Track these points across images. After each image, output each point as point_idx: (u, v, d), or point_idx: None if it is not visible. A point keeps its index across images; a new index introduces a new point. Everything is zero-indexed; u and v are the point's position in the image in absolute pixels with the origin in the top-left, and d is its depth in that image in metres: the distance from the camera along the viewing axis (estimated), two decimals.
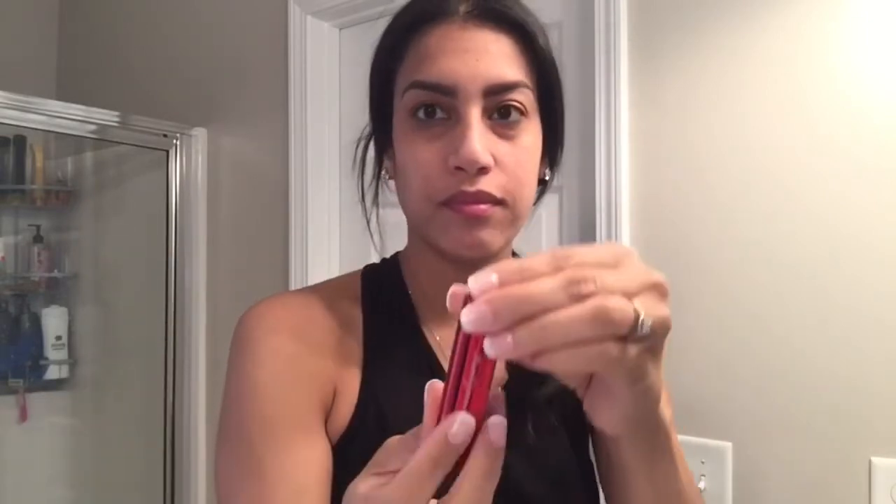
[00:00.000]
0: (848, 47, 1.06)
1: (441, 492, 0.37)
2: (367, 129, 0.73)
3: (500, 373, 0.39)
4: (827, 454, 1.05)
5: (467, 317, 0.33)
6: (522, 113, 0.62)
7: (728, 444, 1.13)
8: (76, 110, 1.82)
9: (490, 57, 0.61)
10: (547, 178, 0.71)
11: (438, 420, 0.37)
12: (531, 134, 0.64)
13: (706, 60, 1.18)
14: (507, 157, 0.61)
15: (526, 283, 0.33)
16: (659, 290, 0.37)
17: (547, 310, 0.33)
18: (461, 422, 0.36)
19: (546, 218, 1.39)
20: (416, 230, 0.69)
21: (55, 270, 2.37)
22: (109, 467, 2.22)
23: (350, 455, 0.62)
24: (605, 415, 0.41)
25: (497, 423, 0.36)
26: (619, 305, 0.34)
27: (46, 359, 2.29)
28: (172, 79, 2.08)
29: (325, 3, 1.69)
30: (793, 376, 1.09)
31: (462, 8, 0.63)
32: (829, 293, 1.06)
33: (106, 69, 2.32)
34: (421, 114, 0.62)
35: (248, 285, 1.87)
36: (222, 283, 1.94)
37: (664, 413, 0.47)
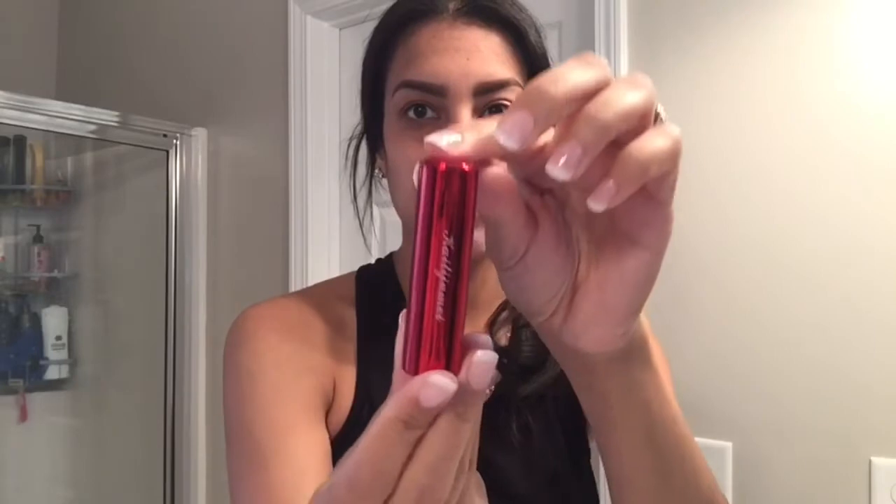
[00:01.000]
0: (849, 47, 1.06)
1: None
2: (359, 128, 0.72)
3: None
4: (827, 454, 1.05)
5: (503, 133, 0.27)
6: None
7: (728, 444, 1.13)
8: (76, 110, 1.82)
9: (480, 55, 0.61)
10: None
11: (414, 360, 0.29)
12: None
13: (706, 60, 1.18)
14: None
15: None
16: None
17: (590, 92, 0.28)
18: (435, 383, 0.28)
19: None
20: (408, 230, 0.69)
21: (55, 270, 2.37)
22: (109, 467, 2.22)
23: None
24: (621, 310, 0.34)
25: (481, 361, 0.29)
26: (642, 81, 0.30)
27: (46, 359, 2.29)
28: (172, 79, 2.08)
29: (325, 3, 1.70)
30: (793, 376, 1.09)
31: (452, 5, 0.62)
32: (829, 293, 1.06)
33: (106, 69, 2.32)
34: (411, 113, 0.62)
35: (248, 285, 1.87)
36: (222, 283, 1.94)
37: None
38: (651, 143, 0.29)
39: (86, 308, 2.35)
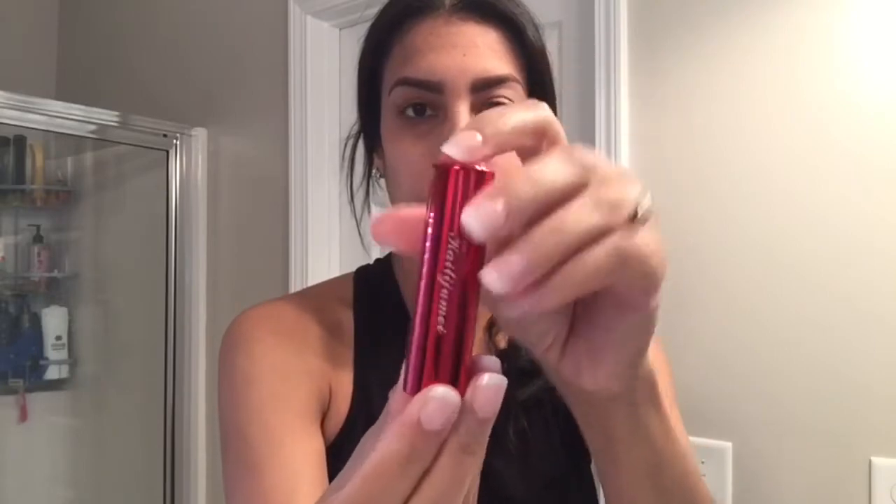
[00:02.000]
0: (849, 46, 1.06)
1: None
2: (356, 128, 0.72)
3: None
4: (827, 454, 1.05)
5: (472, 216, 0.26)
6: None
7: (728, 444, 1.13)
8: (76, 110, 1.82)
9: (477, 51, 0.60)
10: None
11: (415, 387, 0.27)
12: None
13: (706, 60, 1.18)
14: None
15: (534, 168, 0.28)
16: (630, 177, 0.32)
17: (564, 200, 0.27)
18: (435, 396, 0.26)
19: None
20: None
21: (55, 270, 2.37)
22: (109, 467, 2.22)
23: (343, 457, 0.62)
24: (610, 363, 0.34)
25: (489, 385, 0.27)
26: (617, 189, 0.29)
27: (46, 359, 2.29)
28: (172, 79, 2.08)
29: (325, 3, 1.69)
30: (793, 376, 1.08)
31: (448, 1, 0.62)
32: (829, 293, 1.06)
33: (106, 69, 2.32)
34: (409, 112, 0.61)
35: (248, 285, 1.87)
36: (222, 283, 1.94)
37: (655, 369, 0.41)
38: (592, 262, 0.27)
39: (86, 308, 2.35)
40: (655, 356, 0.39)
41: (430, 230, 0.27)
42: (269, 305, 0.69)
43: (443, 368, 0.27)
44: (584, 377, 0.34)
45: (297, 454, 0.59)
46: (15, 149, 2.31)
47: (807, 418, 1.07)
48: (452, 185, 0.27)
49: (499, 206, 0.25)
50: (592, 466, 0.72)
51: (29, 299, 2.37)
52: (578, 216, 0.27)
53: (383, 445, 0.27)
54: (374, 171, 0.72)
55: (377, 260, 0.76)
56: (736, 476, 1.13)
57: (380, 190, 0.72)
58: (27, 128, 1.93)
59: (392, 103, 0.62)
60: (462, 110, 0.59)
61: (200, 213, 1.96)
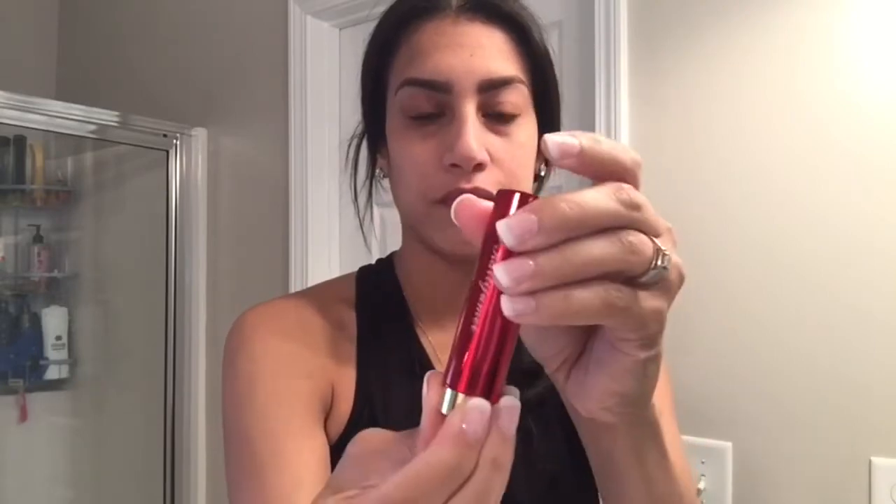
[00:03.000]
0: (849, 46, 1.06)
1: None
2: (360, 128, 0.72)
3: None
4: (827, 454, 1.05)
5: (506, 223, 0.28)
6: (517, 108, 0.62)
7: (728, 444, 1.13)
8: (76, 110, 1.82)
9: (484, 51, 0.60)
10: (542, 173, 0.70)
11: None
12: (526, 129, 0.63)
13: (706, 60, 1.18)
14: (502, 153, 0.61)
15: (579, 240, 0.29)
16: (672, 236, 0.33)
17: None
18: (478, 407, 0.29)
19: None
20: (411, 229, 0.68)
21: (55, 270, 2.37)
22: (109, 467, 2.22)
23: None
24: (597, 395, 0.35)
25: (510, 406, 0.30)
26: (641, 239, 0.30)
27: (46, 359, 2.29)
28: (172, 79, 2.08)
29: (325, 3, 1.69)
30: (793, 376, 1.08)
31: (455, 2, 0.62)
32: (829, 293, 1.06)
33: (106, 69, 2.32)
34: (415, 112, 0.61)
35: (248, 285, 1.87)
36: (222, 283, 1.94)
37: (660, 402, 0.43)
38: (579, 299, 0.28)
39: (86, 308, 2.35)
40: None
41: (482, 244, 0.30)
42: (271, 305, 0.68)
43: (479, 376, 0.30)
44: (578, 403, 0.36)
45: (300, 455, 0.59)
46: (15, 149, 2.31)
47: (807, 418, 1.07)
48: (508, 206, 0.30)
49: (533, 218, 0.28)
50: None
51: (29, 299, 2.36)
52: (590, 250, 0.29)
53: (433, 453, 0.28)
54: (377, 170, 0.71)
55: (379, 260, 0.76)
56: (736, 476, 1.13)
57: (382, 190, 0.72)
58: (27, 128, 1.93)
59: (398, 103, 0.62)
60: (469, 110, 0.59)
61: (200, 213, 1.96)
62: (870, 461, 1.01)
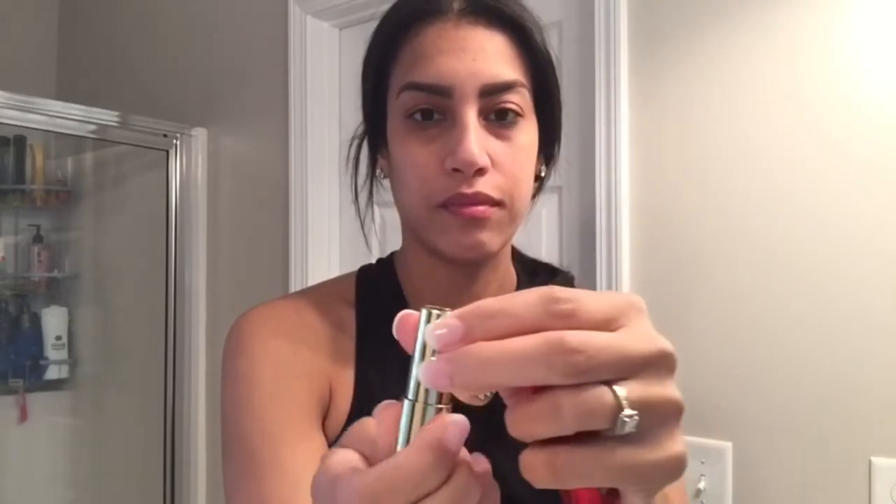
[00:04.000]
0: (849, 46, 1.06)
1: None
2: (361, 129, 0.72)
3: None
4: (827, 454, 1.05)
5: (423, 372, 0.29)
6: (519, 112, 0.62)
7: (728, 444, 1.13)
8: (76, 110, 1.82)
9: (486, 56, 0.60)
10: (543, 174, 0.71)
11: None
12: (528, 133, 0.64)
13: (707, 60, 1.18)
14: (503, 157, 0.61)
15: (497, 342, 0.27)
16: (664, 365, 0.29)
17: (516, 379, 0.27)
18: (458, 422, 0.29)
19: (546, 218, 1.39)
20: (412, 231, 0.68)
21: (55, 270, 2.37)
22: (109, 467, 2.22)
23: None
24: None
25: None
26: (594, 397, 0.27)
27: (46, 359, 2.29)
28: (172, 79, 2.08)
29: (325, 3, 1.69)
30: (793, 376, 1.08)
31: (456, 5, 0.62)
32: (828, 293, 1.06)
33: (106, 69, 2.32)
34: (417, 115, 0.62)
35: (248, 285, 1.87)
36: (222, 283, 1.94)
37: None
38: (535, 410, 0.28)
39: (86, 308, 2.35)
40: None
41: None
42: (271, 306, 0.69)
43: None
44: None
45: (298, 456, 0.59)
46: (15, 149, 2.31)
47: (807, 418, 1.07)
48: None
49: (444, 367, 0.28)
50: None
51: (29, 299, 2.36)
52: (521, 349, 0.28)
53: (408, 454, 0.29)
54: (377, 171, 0.72)
55: (379, 260, 0.76)
56: (736, 476, 1.13)
57: (383, 190, 0.72)
58: (27, 128, 1.93)
59: (400, 106, 0.62)
60: (470, 115, 0.60)
61: (200, 213, 1.96)
62: (870, 461, 1.01)
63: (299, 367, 0.64)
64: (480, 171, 0.59)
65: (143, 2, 2.20)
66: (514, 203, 0.62)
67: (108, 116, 1.87)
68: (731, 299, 1.14)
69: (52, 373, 2.30)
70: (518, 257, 0.76)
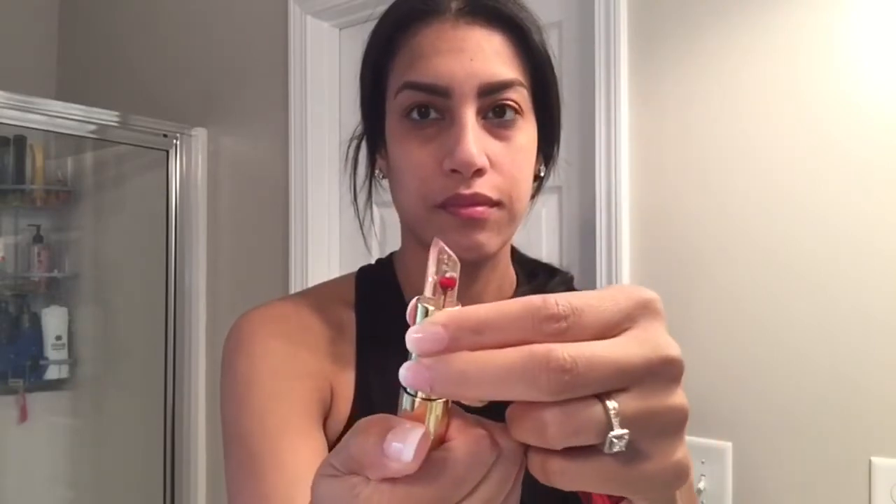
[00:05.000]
0: (849, 46, 1.06)
1: None
2: (359, 129, 0.72)
3: None
4: (827, 454, 1.05)
5: (403, 373, 0.27)
6: (517, 112, 0.62)
7: (728, 444, 1.13)
8: (76, 110, 1.82)
9: (484, 55, 0.60)
10: (542, 174, 0.71)
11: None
12: (526, 133, 0.63)
13: (707, 60, 1.18)
14: (502, 158, 0.61)
15: (480, 354, 0.26)
16: (667, 373, 0.29)
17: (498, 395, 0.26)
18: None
19: (546, 218, 1.38)
20: (410, 231, 0.68)
21: (55, 270, 2.37)
22: (109, 467, 2.22)
23: None
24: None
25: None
26: (582, 415, 0.25)
27: (46, 359, 2.29)
28: (172, 79, 2.08)
29: (325, 3, 1.69)
30: (793, 376, 1.08)
31: (454, 5, 0.62)
32: (829, 293, 1.06)
33: (106, 69, 2.32)
34: (415, 115, 0.61)
35: (248, 285, 1.87)
36: (222, 283, 1.94)
37: None
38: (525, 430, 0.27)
39: (86, 308, 2.35)
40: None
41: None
42: (271, 306, 0.69)
43: None
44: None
45: (298, 456, 0.59)
46: (15, 149, 2.31)
47: (807, 418, 1.07)
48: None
49: (426, 374, 0.26)
50: None
51: (29, 299, 2.37)
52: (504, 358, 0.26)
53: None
54: (376, 171, 0.72)
55: (379, 260, 0.76)
56: (736, 476, 1.13)
57: (382, 190, 0.72)
58: (27, 128, 1.93)
59: (398, 106, 0.62)
60: (468, 115, 0.60)
61: (200, 213, 1.96)
62: (870, 461, 1.01)
63: (300, 366, 0.64)
64: (479, 172, 0.59)
65: (143, 2, 2.20)
66: (513, 203, 0.62)
67: (108, 116, 1.87)
68: (731, 299, 1.14)
69: (52, 373, 2.30)
70: (517, 257, 0.76)
